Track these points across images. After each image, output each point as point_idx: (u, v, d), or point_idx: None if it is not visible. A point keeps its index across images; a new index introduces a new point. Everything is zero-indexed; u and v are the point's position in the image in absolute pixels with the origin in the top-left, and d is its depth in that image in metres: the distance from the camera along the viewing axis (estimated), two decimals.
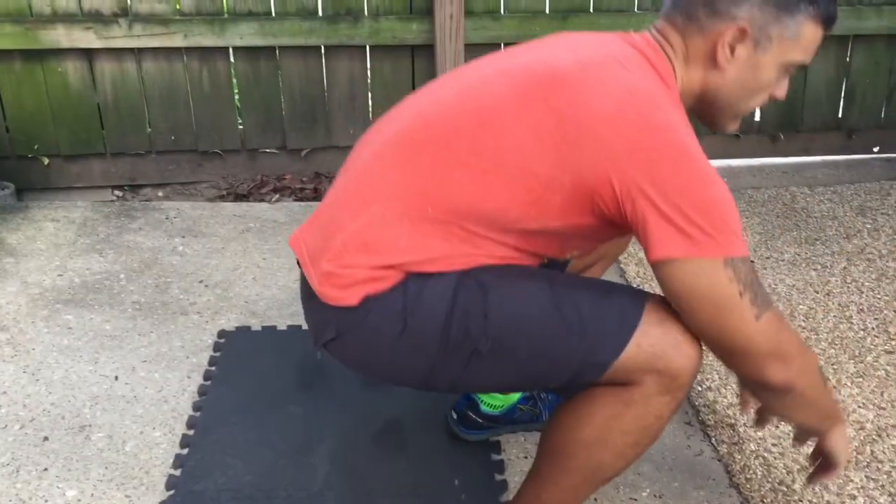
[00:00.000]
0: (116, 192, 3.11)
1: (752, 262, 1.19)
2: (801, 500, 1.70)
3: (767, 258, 2.63)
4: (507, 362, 1.23)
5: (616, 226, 1.18)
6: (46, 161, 3.03)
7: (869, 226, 2.85)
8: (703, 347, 1.23)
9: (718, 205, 1.12)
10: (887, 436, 1.88)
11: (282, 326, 2.24)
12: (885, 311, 2.34)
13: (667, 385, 1.20)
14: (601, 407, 1.24)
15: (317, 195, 3.06)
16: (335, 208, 1.29)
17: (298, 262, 1.35)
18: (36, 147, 3.00)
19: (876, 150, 3.47)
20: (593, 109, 1.13)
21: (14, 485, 1.70)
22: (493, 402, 1.78)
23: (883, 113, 3.42)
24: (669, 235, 1.10)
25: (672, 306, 1.22)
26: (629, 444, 1.25)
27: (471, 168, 1.17)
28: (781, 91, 1.33)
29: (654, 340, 1.19)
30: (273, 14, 2.95)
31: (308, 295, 1.32)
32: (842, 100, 3.37)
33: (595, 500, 1.70)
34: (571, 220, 1.18)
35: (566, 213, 1.17)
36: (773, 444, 1.85)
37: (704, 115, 1.34)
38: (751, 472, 1.78)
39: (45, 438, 1.82)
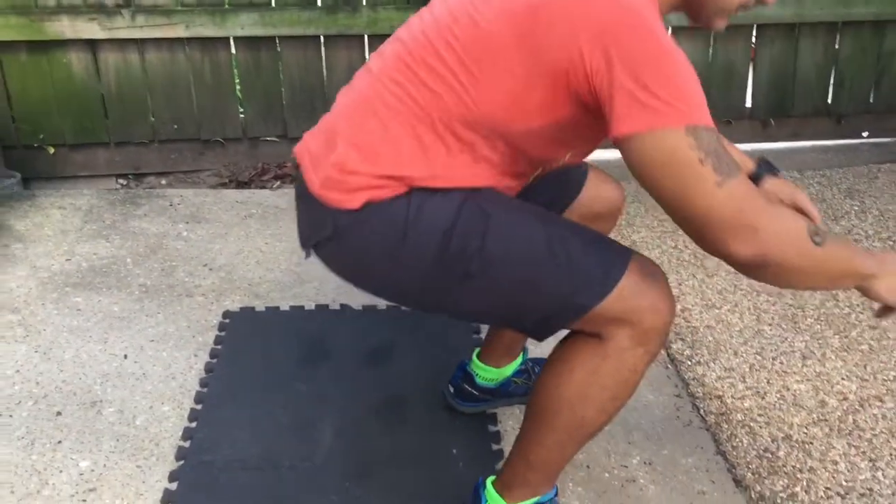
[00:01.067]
0: (120, 181, 3.17)
1: (719, 134, 1.16)
2: (785, 466, 1.78)
3: None
4: (493, 288, 1.29)
5: (593, 115, 1.20)
6: (52, 150, 3.09)
7: (857, 208, 2.92)
8: (675, 307, 1.29)
9: (680, 76, 1.12)
10: (869, 406, 1.95)
11: (284, 307, 2.31)
12: None
13: (639, 339, 1.27)
14: (579, 364, 1.31)
15: None
16: (339, 119, 1.34)
17: (297, 166, 1.41)
18: (41, 136, 3.06)
19: (865, 134, 3.54)
20: None
21: (30, 456, 1.77)
22: (488, 376, 1.85)
23: (871, 98, 3.48)
24: (633, 111, 1.11)
25: (652, 266, 1.29)
26: (608, 399, 1.32)
27: (458, 77, 1.22)
28: None
29: (632, 294, 1.26)
30: (273, 4, 3.01)
31: (305, 197, 1.36)
32: (831, 86, 3.43)
33: (588, 466, 1.78)
34: (552, 114, 1.21)
35: (546, 109, 1.21)
36: (759, 415, 1.93)
37: (691, 10, 1.33)
38: (737, 440, 1.86)
39: (58, 413, 1.89)
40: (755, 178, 1.59)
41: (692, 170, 1.11)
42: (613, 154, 1.28)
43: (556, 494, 1.50)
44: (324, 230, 1.33)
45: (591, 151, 1.42)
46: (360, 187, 1.28)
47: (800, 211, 1.53)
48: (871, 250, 1.30)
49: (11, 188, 2.96)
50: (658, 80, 1.11)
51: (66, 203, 2.88)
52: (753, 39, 3.33)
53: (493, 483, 1.50)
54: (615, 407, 1.34)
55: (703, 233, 1.16)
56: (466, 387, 1.87)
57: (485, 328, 2.21)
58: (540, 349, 2.12)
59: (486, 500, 1.49)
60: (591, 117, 1.21)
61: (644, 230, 2.75)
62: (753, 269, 1.16)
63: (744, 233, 1.13)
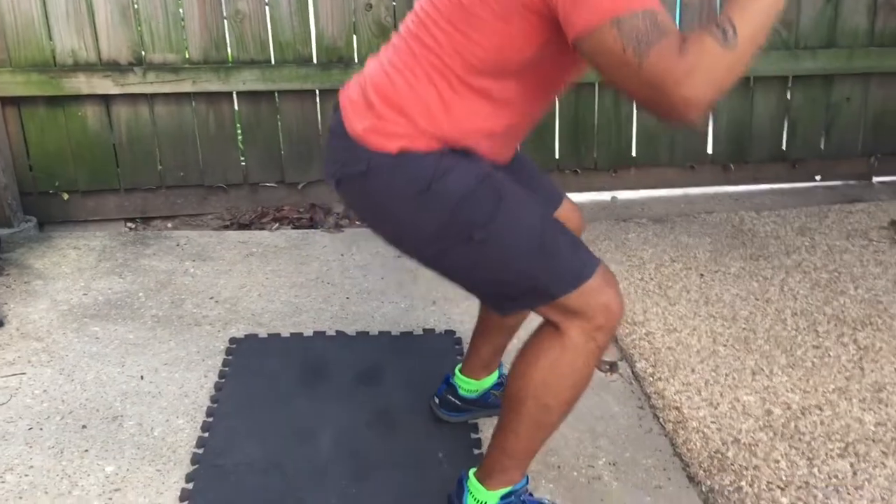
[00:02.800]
0: (129, 224, 3.41)
1: (653, 10, 1.24)
2: (734, 464, 2.01)
3: (716, 272, 2.96)
4: (485, 259, 1.52)
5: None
6: (66, 196, 3.34)
7: (807, 243, 3.19)
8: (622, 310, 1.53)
9: None
10: (809, 413, 2.19)
11: (285, 334, 2.54)
12: (816, 315, 2.67)
13: (591, 333, 1.51)
14: (543, 355, 1.54)
15: (312, 223, 3.37)
16: (371, 80, 1.53)
17: (337, 107, 1.59)
18: (56, 184, 3.31)
19: (818, 178, 3.83)
20: None
21: (60, 463, 1.98)
22: (469, 387, 2.09)
23: (822, 145, 3.78)
24: (570, 16, 1.28)
25: (612, 277, 1.54)
26: (567, 386, 1.55)
27: (454, 38, 1.44)
28: None
29: (592, 293, 1.50)
30: (273, 62, 3.29)
31: (341, 136, 1.54)
32: (785, 133, 3.73)
33: (559, 467, 2.00)
34: (537, 39, 1.40)
35: (530, 37, 1.40)
36: (712, 422, 2.16)
37: None
38: (692, 444, 2.08)
39: (84, 427, 2.11)
40: None
41: (618, 59, 1.24)
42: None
43: (527, 482, 1.73)
44: (357, 165, 1.51)
45: (584, 69, 1.58)
46: (399, 135, 1.49)
47: None
48: None
49: (29, 231, 3.20)
50: None
51: (81, 244, 3.12)
52: None
53: (475, 473, 1.73)
54: (573, 395, 1.57)
55: (654, 110, 1.26)
56: (450, 398, 2.10)
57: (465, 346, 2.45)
58: None
59: (469, 490, 1.72)
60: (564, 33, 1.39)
61: (613, 265, 3.00)
62: (707, 108, 1.24)
63: (673, 93, 1.21)
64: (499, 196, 1.52)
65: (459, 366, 2.11)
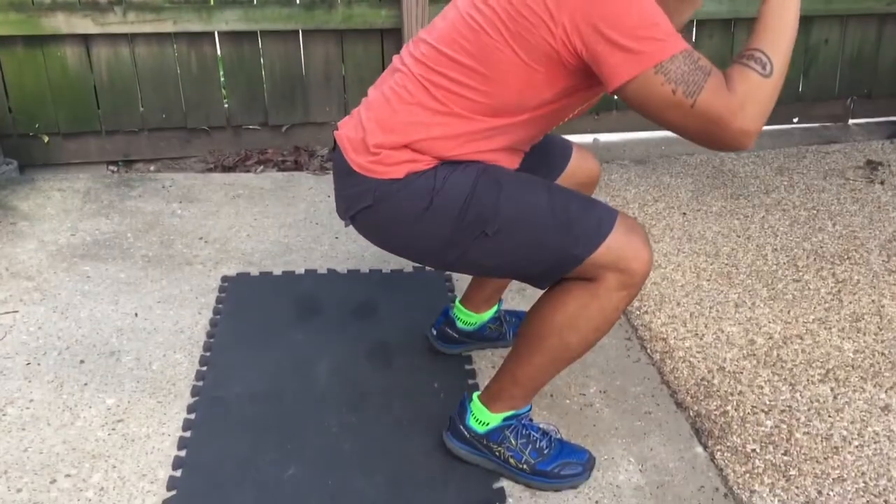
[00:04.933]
0: (111, 168, 3.39)
1: (689, 50, 1.33)
2: (719, 391, 2.08)
3: (698, 210, 3.01)
4: (504, 247, 1.56)
5: (592, 75, 1.42)
6: (46, 139, 3.30)
7: (786, 182, 3.25)
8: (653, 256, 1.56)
9: (641, 20, 1.32)
10: (791, 343, 2.26)
11: (277, 272, 2.56)
12: (795, 250, 2.74)
13: (624, 282, 1.54)
14: (573, 298, 1.58)
15: (297, 166, 3.37)
16: (373, 110, 1.58)
17: (335, 148, 1.66)
18: (37, 126, 3.27)
19: (795, 120, 3.89)
20: None
21: (60, 396, 2.00)
22: (469, 320, 2.13)
23: (800, 87, 3.83)
24: (612, 66, 1.34)
25: (634, 223, 1.58)
26: (592, 329, 1.59)
27: (481, 72, 1.48)
28: None
29: (619, 245, 1.53)
30: (255, 2, 3.25)
31: (346, 174, 1.60)
32: None
33: (551, 395, 2.06)
34: (560, 83, 1.46)
35: (552, 81, 1.46)
36: (698, 352, 2.23)
37: None
38: (678, 372, 2.15)
39: (82, 361, 2.13)
40: None
41: (668, 101, 1.32)
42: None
43: (529, 410, 1.78)
44: (364, 201, 1.58)
45: (597, 98, 1.66)
46: (399, 162, 1.53)
47: None
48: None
49: (10, 174, 3.17)
50: (623, 33, 1.33)
51: (65, 186, 3.10)
52: (694, 34, 3.66)
53: (479, 396, 1.78)
54: (596, 338, 1.62)
55: (709, 143, 1.36)
56: (448, 330, 2.14)
57: (459, 284, 2.49)
58: (513, 303, 2.40)
59: (472, 410, 1.77)
60: (592, 76, 1.45)
61: None
62: (758, 134, 1.35)
63: (731, 126, 1.31)
64: (498, 186, 1.55)
65: (459, 298, 2.15)
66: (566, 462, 1.76)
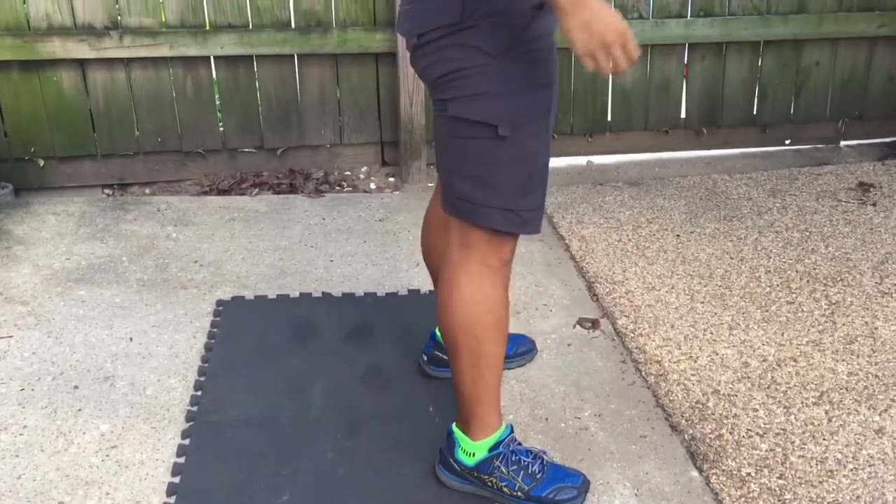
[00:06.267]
0: (106, 191, 3.39)
1: None
2: (714, 414, 2.08)
3: (691, 232, 3.02)
4: (484, 154, 1.56)
5: None
6: (42, 163, 3.31)
7: (778, 204, 3.27)
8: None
9: None
10: (785, 365, 2.27)
11: (272, 295, 2.56)
12: (789, 272, 2.75)
13: (495, 268, 1.64)
14: (457, 289, 1.64)
15: (292, 189, 3.38)
16: None
17: None
18: (32, 150, 3.27)
19: (787, 142, 3.92)
20: None
21: (54, 422, 1.99)
22: None
23: (792, 110, 3.86)
24: None
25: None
26: (484, 311, 1.64)
27: None
28: None
29: (509, 242, 1.64)
30: (250, 26, 3.27)
31: None
32: (756, 98, 3.80)
33: (546, 419, 2.06)
34: None
35: None
36: (692, 374, 2.23)
37: None
38: (673, 395, 2.16)
39: (76, 387, 2.12)
40: None
41: None
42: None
43: (510, 431, 1.78)
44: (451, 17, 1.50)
45: None
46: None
47: None
48: None
49: (4, 197, 3.17)
50: None
51: (60, 210, 3.10)
52: (686, 57, 3.69)
53: (456, 425, 1.78)
54: (494, 320, 1.65)
55: None
56: (438, 353, 2.15)
57: None
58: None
59: (458, 443, 1.77)
60: None
61: (592, 227, 3.06)
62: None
63: None
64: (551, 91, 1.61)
65: None
66: (561, 486, 1.76)
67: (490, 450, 1.75)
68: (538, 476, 1.75)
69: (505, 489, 1.75)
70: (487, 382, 1.71)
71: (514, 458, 1.76)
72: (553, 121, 1.67)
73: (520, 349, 2.25)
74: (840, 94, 3.87)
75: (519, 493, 1.75)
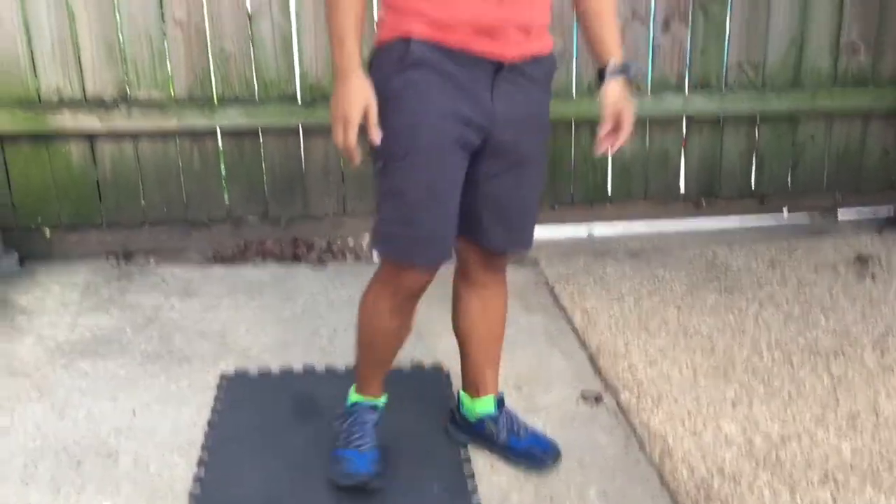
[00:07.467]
0: (111, 260, 3.41)
1: None
2: (719, 494, 2.07)
3: (692, 306, 3.05)
4: (401, 169, 1.78)
5: None
6: (48, 232, 3.33)
7: (778, 277, 3.30)
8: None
9: None
10: (789, 442, 2.27)
11: (275, 368, 2.57)
12: (790, 346, 2.76)
13: (386, 295, 1.92)
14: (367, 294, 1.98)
15: (295, 258, 3.41)
16: None
17: None
18: (39, 219, 3.31)
19: (785, 214, 3.97)
20: None
21: (57, 500, 1.98)
22: (467, 405, 2.22)
23: (789, 181, 3.92)
24: None
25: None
26: (366, 315, 1.99)
27: None
28: None
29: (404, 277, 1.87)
30: (257, 99, 3.34)
31: None
32: (753, 170, 3.86)
33: (551, 498, 2.05)
34: None
35: None
36: (697, 451, 2.23)
37: None
38: (678, 473, 2.15)
39: (79, 463, 2.11)
40: (601, 75, 1.87)
41: None
42: None
43: (376, 410, 2.12)
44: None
45: None
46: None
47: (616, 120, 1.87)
48: (357, 62, 1.69)
49: (11, 267, 3.19)
50: None
51: (64, 280, 3.12)
52: (684, 130, 3.76)
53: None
54: (367, 320, 2.00)
55: None
56: (455, 413, 2.26)
57: (456, 380, 2.49)
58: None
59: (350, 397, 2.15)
60: None
61: (594, 299, 3.08)
62: None
63: None
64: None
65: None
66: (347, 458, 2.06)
67: (351, 404, 2.12)
68: (349, 441, 2.06)
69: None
70: (361, 361, 2.10)
71: (350, 420, 2.09)
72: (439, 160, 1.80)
73: (533, 450, 2.19)
74: (836, 167, 3.94)
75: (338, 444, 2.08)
